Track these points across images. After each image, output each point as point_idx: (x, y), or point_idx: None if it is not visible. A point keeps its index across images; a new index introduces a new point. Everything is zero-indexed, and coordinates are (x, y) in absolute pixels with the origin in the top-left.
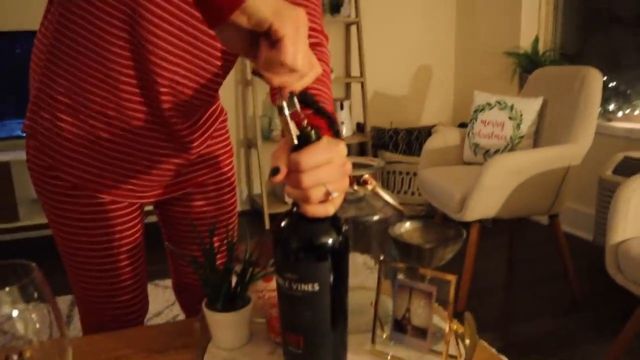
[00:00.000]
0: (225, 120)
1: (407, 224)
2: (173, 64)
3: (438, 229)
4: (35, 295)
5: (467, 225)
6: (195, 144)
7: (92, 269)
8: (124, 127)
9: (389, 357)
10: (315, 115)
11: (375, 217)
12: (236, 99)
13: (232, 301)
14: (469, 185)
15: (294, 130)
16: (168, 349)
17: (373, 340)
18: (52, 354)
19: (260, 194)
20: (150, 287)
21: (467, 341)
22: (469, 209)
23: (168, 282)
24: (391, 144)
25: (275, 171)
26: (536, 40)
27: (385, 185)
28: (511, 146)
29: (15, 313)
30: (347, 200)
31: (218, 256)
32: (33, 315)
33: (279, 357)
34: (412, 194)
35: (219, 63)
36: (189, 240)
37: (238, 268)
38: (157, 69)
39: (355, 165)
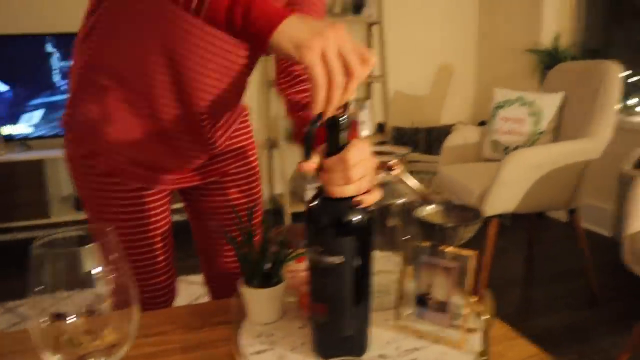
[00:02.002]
0: (246, 116)
1: (430, 207)
2: (205, 75)
3: (458, 211)
4: (113, 256)
5: (484, 221)
6: (218, 143)
7: (128, 253)
8: (157, 125)
9: (411, 331)
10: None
11: (400, 201)
12: (259, 99)
13: (267, 279)
14: (488, 181)
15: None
16: (205, 325)
17: (397, 317)
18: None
19: (281, 193)
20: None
21: (486, 316)
22: (488, 204)
23: (193, 278)
24: (411, 143)
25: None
26: (557, 37)
27: None
28: (531, 142)
29: (96, 270)
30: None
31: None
32: (111, 276)
33: (309, 331)
34: (433, 192)
35: (245, 61)
36: (218, 230)
37: (272, 250)
38: (190, 80)
39: (382, 153)
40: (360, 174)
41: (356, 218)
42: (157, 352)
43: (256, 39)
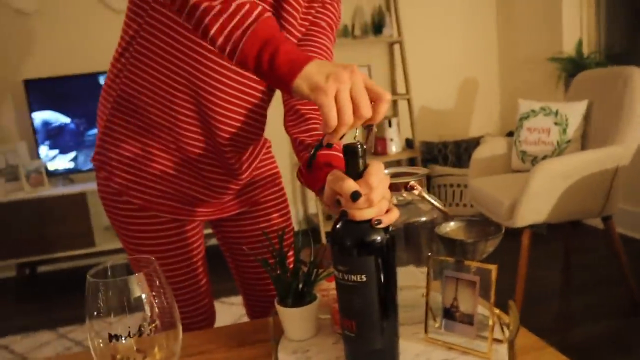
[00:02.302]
0: (269, 148)
1: (452, 224)
2: (228, 110)
3: (479, 227)
4: (157, 283)
5: (518, 232)
6: (245, 175)
7: (171, 281)
8: (184, 159)
9: (440, 344)
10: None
11: (423, 219)
12: None
13: (300, 298)
14: (517, 192)
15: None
16: (245, 344)
17: (426, 330)
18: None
19: (315, 213)
20: (217, 304)
21: (511, 327)
22: (518, 215)
23: (233, 300)
24: (440, 157)
25: (357, 195)
26: (580, 44)
27: (438, 199)
28: (559, 151)
29: (144, 296)
30: (397, 205)
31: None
32: (156, 300)
33: (342, 346)
34: (464, 205)
35: (265, 100)
36: (250, 256)
37: (304, 270)
38: (214, 115)
39: (403, 174)
40: (380, 195)
41: (377, 238)
42: None
43: (280, 83)
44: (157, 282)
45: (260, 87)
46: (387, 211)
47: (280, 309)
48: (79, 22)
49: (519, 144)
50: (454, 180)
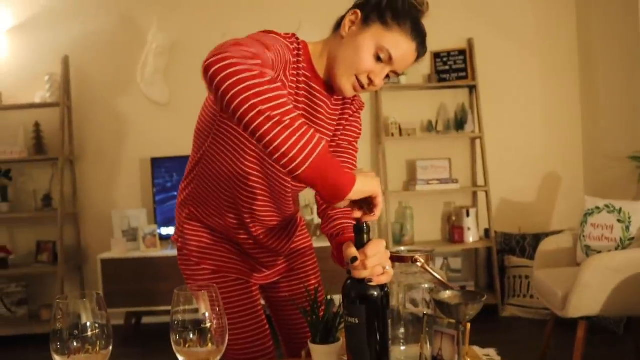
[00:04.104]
0: (303, 226)
1: (449, 292)
2: (261, 206)
3: (469, 296)
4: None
5: (575, 323)
6: (285, 247)
7: (242, 325)
8: (234, 241)
9: None
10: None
11: (425, 285)
12: None
13: (327, 337)
14: (570, 284)
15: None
16: None
17: None
18: (218, 344)
19: None
20: None
21: None
22: (571, 307)
23: None
24: (518, 248)
25: (354, 259)
26: None
27: (513, 291)
28: (621, 247)
29: (206, 314)
30: (406, 273)
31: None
32: (215, 321)
33: None
34: (532, 297)
35: (290, 195)
36: (292, 315)
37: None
38: (249, 213)
39: (413, 251)
40: (374, 262)
41: (369, 292)
42: None
43: (337, 191)
44: (216, 306)
45: (289, 182)
46: (382, 274)
47: (311, 346)
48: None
49: (583, 238)
50: (529, 272)
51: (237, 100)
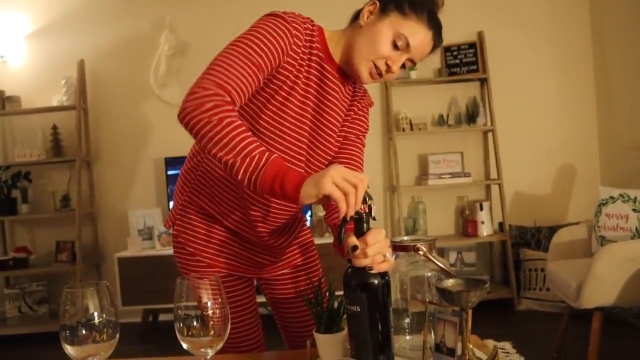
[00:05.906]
0: (304, 224)
1: (452, 280)
2: (267, 218)
3: (471, 283)
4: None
5: (591, 315)
6: (284, 244)
7: (238, 315)
8: (234, 237)
9: None
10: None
11: (428, 274)
12: (385, 202)
13: (331, 327)
14: (584, 274)
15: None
16: None
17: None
18: (220, 331)
19: None
20: None
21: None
22: (584, 297)
23: None
24: (533, 241)
25: (355, 248)
26: None
27: (528, 284)
28: (637, 237)
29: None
30: (411, 262)
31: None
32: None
33: None
34: (547, 290)
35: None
36: (294, 310)
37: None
38: (254, 212)
39: (417, 240)
40: (374, 250)
41: (369, 280)
42: None
43: (290, 199)
44: (217, 295)
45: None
46: (383, 262)
47: (316, 335)
48: None
49: (598, 229)
50: (544, 265)
51: (205, 147)
